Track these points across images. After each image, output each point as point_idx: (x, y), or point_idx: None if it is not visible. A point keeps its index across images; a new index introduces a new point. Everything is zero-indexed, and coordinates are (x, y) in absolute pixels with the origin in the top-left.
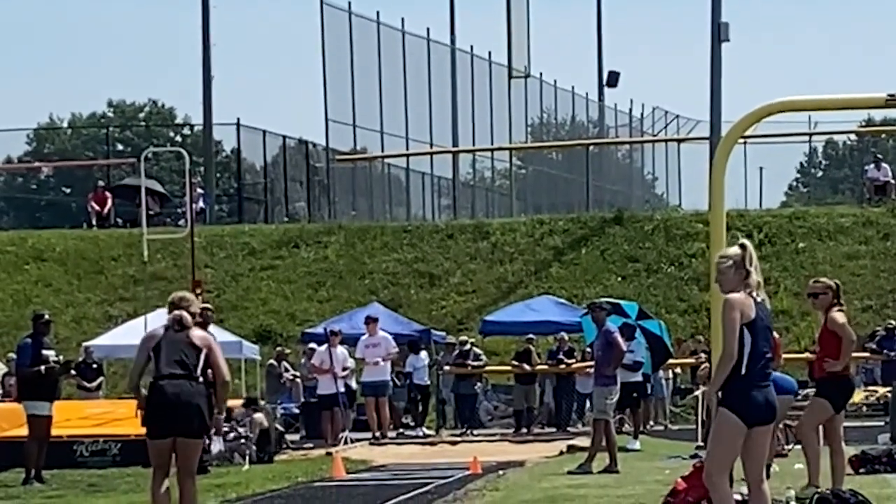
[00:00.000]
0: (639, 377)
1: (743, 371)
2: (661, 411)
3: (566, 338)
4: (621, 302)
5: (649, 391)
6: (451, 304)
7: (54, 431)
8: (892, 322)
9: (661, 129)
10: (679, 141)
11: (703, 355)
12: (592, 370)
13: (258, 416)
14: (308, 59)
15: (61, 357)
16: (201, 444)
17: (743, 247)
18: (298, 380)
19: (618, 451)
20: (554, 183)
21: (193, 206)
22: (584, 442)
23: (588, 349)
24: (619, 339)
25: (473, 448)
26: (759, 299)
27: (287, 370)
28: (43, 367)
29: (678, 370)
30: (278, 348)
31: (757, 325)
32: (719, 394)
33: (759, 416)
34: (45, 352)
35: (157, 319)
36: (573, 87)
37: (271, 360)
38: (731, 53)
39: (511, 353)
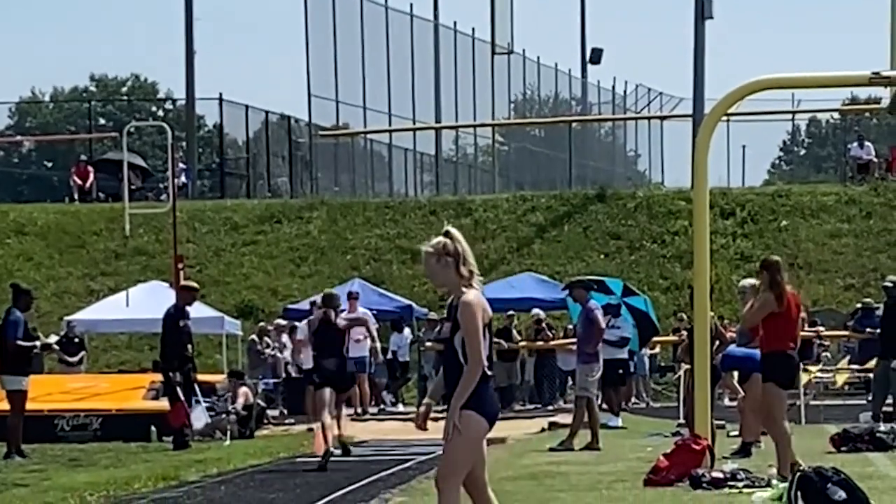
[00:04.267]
0: (624, 354)
1: (488, 373)
2: (643, 389)
3: (542, 315)
4: (605, 279)
5: (632, 369)
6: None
7: (35, 406)
8: (870, 301)
9: (644, 107)
10: (662, 118)
11: (684, 333)
12: (575, 347)
13: (244, 389)
14: (291, 35)
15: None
16: None
17: (447, 234)
18: (280, 354)
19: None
20: (536, 160)
21: (175, 180)
22: (566, 419)
23: (570, 327)
24: (599, 317)
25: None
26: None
27: (269, 346)
28: (38, 344)
29: (658, 349)
30: (260, 324)
31: (490, 322)
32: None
33: (496, 415)
34: None
35: (139, 294)
36: (556, 64)
37: (253, 336)
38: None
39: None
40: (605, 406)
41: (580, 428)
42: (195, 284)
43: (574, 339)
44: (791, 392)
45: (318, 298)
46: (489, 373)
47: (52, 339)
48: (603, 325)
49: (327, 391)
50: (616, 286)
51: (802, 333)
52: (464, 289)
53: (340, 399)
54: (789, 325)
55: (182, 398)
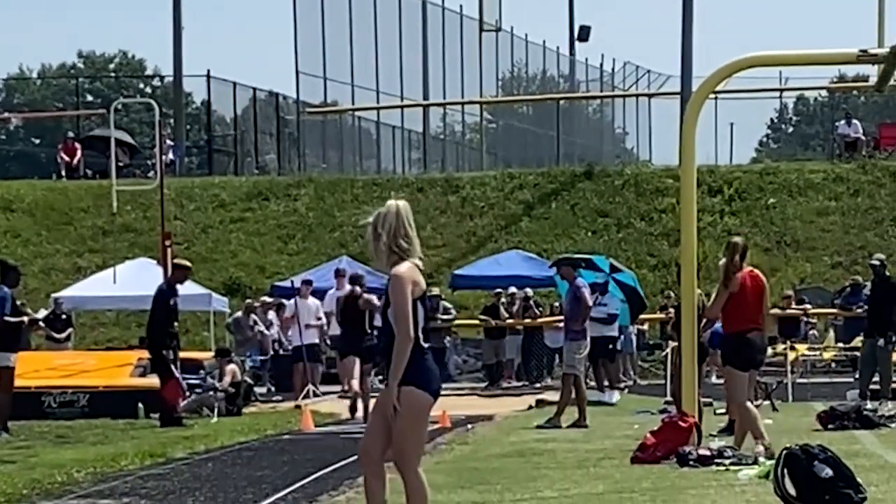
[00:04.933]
0: (613, 331)
1: (424, 346)
2: (630, 366)
3: (530, 293)
4: (592, 257)
5: (619, 346)
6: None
7: (22, 382)
8: (858, 278)
9: (631, 84)
10: (650, 96)
11: (672, 310)
12: (562, 325)
13: (231, 366)
14: (279, 12)
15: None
16: None
17: (388, 206)
18: (267, 331)
19: (595, 404)
20: (524, 137)
21: (163, 157)
22: (553, 396)
23: (557, 304)
24: (586, 294)
25: (442, 402)
26: (420, 266)
27: (256, 323)
28: (27, 319)
29: (645, 326)
30: (247, 301)
31: (426, 295)
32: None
33: (439, 389)
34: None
35: (126, 270)
36: (544, 42)
37: (238, 313)
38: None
39: (480, 308)
40: (591, 383)
41: (567, 405)
42: (188, 263)
43: (561, 317)
44: (778, 370)
45: (307, 277)
46: (425, 345)
47: (41, 313)
48: (590, 302)
49: (356, 361)
50: (603, 263)
51: (789, 311)
52: (394, 262)
53: (364, 370)
54: (744, 306)
55: (177, 375)
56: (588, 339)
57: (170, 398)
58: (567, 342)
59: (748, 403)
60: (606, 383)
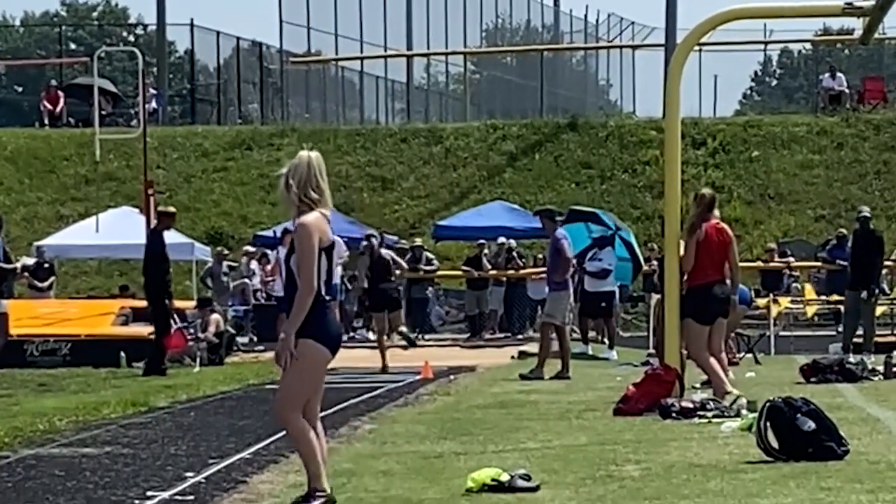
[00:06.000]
0: (609, 286)
1: (325, 297)
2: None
3: (513, 244)
4: (598, 211)
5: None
6: (403, 208)
7: None
8: (843, 231)
9: (616, 36)
10: (634, 48)
11: (655, 263)
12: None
13: (215, 316)
14: None
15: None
16: None
17: (300, 156)
18: (249, 281)
19: (578, 356)
20: (508, 88)
21: (146, 106)
22: (535, 348)
23: (541, 256)
24: (566, 247)
25: (424, 353)
26: (329, 217)
27: (232, 269)
28: (19, 266)
29: None
30: (218, 249)
31: (334, 246)
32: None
33: (338, 343)
34: None
35: (109, 219)
36: None
37: (210, 263)
38: None
39: (463, 259)
40: (576, 336)
41: (549, 356)
42: (173, 210)
43: (544, 269)
44: (761, 322)
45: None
46: (326, 297)
47: (31, 261)
48: (569, 254)
49: (385, 315)
50: (609, 218)
51: (772, 264)
52: (304, 212)
53: (390, 318)
54: (707, 258)
55: (178, 324)
56: (570, 290)
57: (174, 346)
58: (549, 293)
59: (705, 354)
60: (606, 341)
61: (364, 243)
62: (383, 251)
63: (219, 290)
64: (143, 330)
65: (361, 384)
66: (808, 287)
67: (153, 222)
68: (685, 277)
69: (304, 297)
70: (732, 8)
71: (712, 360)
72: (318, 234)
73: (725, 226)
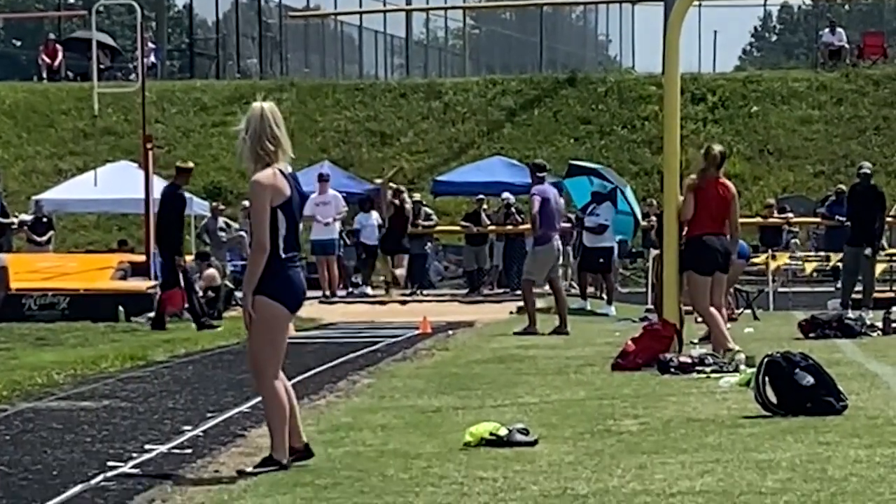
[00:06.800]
0: (607, 242)
1: (282, 255)
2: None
3: (512, 200)
4: (599, 167)
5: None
6: (402, 163)
7: None
8: (842, 187)
9: None
10: (633, 2)
11: (654, 218)
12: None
13: (211, 271)
14: None
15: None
16: None
17: (252, 110)
18: (247, 236)
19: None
20: (507, 43)
21: (145, 60)
22: (540, 303)
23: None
24: (535, 202)
25: (423, 308)
26: (287, 171)
27: (228, 225)
28: (17, 221)
29: None
30: (214, 204)
31: (293, 202)
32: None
33: (299, 301)
34: None
35: (107, 173)
36: None
37: (206, 218)
38: None
39: (462, 214)
40: (574, 291)
41: (535, 311)
42: (191, 164)
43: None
44: (760, 278)
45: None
46: (284, 255)
47: (28, 217)
48: (536, 209)
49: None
50: (608, 174)
51: (771, 220)
52: (260, 168)
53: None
54: (705, 210)
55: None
56: (552, 245)
57: (173, 305)
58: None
59: (710, 308)
60: (604, 297)
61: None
62: (407, 206)
63: (216, 245)
64: (142, 284)
65: (360, 339)
66: (805, 244)
67: (152, 175)
68: (684, 231)
69: (255, 256)
70: None
71: (715, 313)
72: (272, 191)
73: (729, 183)
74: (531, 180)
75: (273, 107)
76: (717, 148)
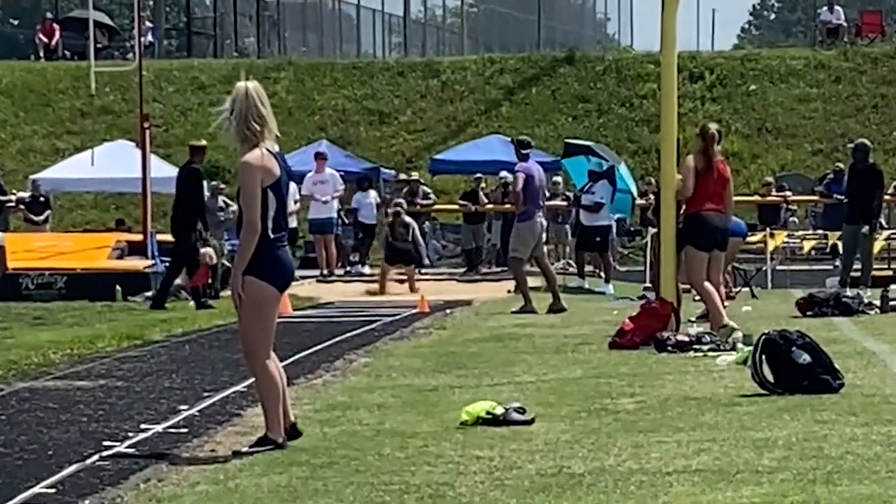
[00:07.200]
0: (604, 220)
1: (271, 235)
2: (610, 252)
3: (510, 178)
4: (592, 144)
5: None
6: (400, 142)
7: None
8: (840, 165)
9: None
10: None
11: (652, 196)
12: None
13: (207, 250)
14: None
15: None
16: None
17: (237, 90)
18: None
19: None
20: (505, 22)
21: (142, 39)
22: (532, 282)
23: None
24: (520, 179)
25: (421, 287)
26: (275, 150)
27: (227, 205)
28: (14, 198)
29: None
30: (214, 183)
31: (281, 182)
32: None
33: (288, 280)
34: None
35: (104, 153)
36: None
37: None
38: None
39: (460, 193)
40: (572, 270)
41: (527, 289)
42: (204, 143)
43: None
44: (758, 257)
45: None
46: (273, 235)
47: (26, 194)
48: (520, 186)
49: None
50: (603, 152)
51: (769, 198)
52: (248, 148)
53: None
54: (704, 188)
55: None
56: (535, 221)
57: (199, 281)
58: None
59: (706, 283)
60: (602, 275)
61: (391, 210)
62: (406, 218)
63: (214, 224)
64: (139, 263)
65: (357, 318)
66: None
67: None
68: (682, 209)
69: (246, 238)
70: None
71: (711, 289)
72: (262, 172)
73: (726, 165)
74: (516, 157)
75: (258, 86)
76: (714, 126)
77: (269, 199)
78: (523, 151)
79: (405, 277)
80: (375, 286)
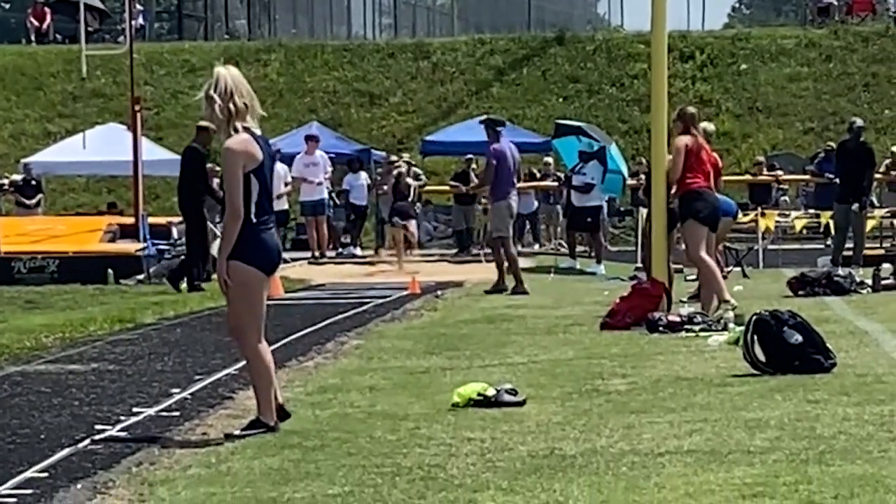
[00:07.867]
0: (595, 201)
1: (254, 220)
2: (601, 232)
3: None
4: (582, 124)
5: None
6: (391, 123)
7: None
8: (832, 144)
9: None
10: None
11: (643, 176)
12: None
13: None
14: None
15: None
16: None
17: (216, 75)
18: None
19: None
20: (495, 2)
21: (133, 22)
22: (523, 263)
23: (526, 171)
24: (491, 161)
25: (412, 268)
26: (257, 133)
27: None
28: (6, 181)
29: None
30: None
31: (264, 166)
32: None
33: (274, 263)
34: None
35: (96, 136)
36: None
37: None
38: None
39: (451, 174)
40: (564, 250)
41: (518, 269)
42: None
43: (530, 183)
44: (749, 236)
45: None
46: (255, 219)
47: (18, 177)
48: (491, 168)
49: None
50: (596, 132)
51: (760, 177)
52: (231, 133)
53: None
54: (696, 167)
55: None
56: (508, 201)
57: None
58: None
59: (706, 257)
60: (593, 255)
61: (394, 172)
62: (409, 179)
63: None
64: (131, 247)
65: (348, 300)
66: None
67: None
68: (673, 190)
69: (230, 223)
70: None
71: (713, 264)
72: (245, 157)
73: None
74: (487, 137)
75: (236, 71)
76: (690, 108)
77: (251, 184)
78: (496, 129)
79: (395, 253)
80: (378, 266)
